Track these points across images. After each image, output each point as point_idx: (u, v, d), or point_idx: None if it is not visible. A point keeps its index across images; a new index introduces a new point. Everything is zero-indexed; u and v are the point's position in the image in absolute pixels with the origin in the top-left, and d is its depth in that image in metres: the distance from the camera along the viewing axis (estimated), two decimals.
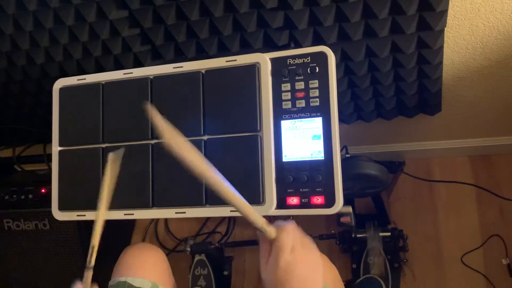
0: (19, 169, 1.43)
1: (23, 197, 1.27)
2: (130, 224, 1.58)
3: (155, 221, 1.57)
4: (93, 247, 0.71)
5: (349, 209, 1.03)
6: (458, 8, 0.85)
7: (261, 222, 0.60)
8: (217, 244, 1.37)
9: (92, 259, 0.71)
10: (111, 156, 0.74)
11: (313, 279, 0.59)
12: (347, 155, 1.13)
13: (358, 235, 1.21)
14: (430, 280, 1.28)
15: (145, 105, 0.76)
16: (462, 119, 1.20)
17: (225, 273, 1.39)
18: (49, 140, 0.91)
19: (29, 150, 1.42)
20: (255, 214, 0.60)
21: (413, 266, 1.30)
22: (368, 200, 1.33)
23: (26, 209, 1.26)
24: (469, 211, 1.33)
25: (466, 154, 1.38)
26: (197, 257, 1.35)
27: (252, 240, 1.38)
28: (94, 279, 0.74)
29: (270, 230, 0.60)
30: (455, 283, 1.26)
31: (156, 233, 1.56)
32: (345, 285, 1.23)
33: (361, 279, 1.22)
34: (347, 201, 1.24)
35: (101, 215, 0.71)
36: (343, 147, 1.17)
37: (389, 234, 1.21)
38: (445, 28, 0.85)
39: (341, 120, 1.15)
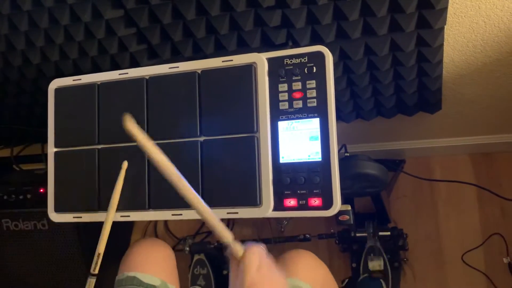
0: (17, 169, 1.43)
1: (21, 197, 1.27)
2: (129, 224, 1.57)
3: (155, 221, 1.57)
4: (99, 255, 0.70)
5: (348, 207, 1.02)
6: (458, 6, 0.84)
7: (228, 238, 0.59)
8: (216, 244, 1.37)
9: (97, 267, 0.70)
10: (125, 164, 0.74)
11: None
12: (346, 154, 1.12)
13: (357, 234, 1.21)
14: (431, 279, 1.27)
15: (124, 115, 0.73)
16: (462, 117, 1.19)
17: (225, 272, 1.38)
18: (47, 140, 0.91)
19: (27, 150, 1.42)
20: (224, 229, 0.59)
21: (413, 265, 1.29)
22: (368, 199, 1.33)
23: (25, 209, 1.26)
24: (470, 209, 1.32)
25: (467, 152, 1.37)
26: (196, 257, 1.35)
27: (251, 240, 1.38)
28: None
29: (238, 248, 0.59)
30: (456, 282, 1.26)
31: (155, 233, 1.56)
32: (346, 284, 1.23)
33: (361, 278, 1.21)
34: (347, 200, 1.24)
35: (109, 221, 0.70)
36: (342, 146, 1.16)
37: (389, 233, 1.20)
38: (445, 26, 0.84)
39: (340, 118, 1.14)
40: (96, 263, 0.70)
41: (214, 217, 0.59)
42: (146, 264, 0.83)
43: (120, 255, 1.50)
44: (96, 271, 0.71)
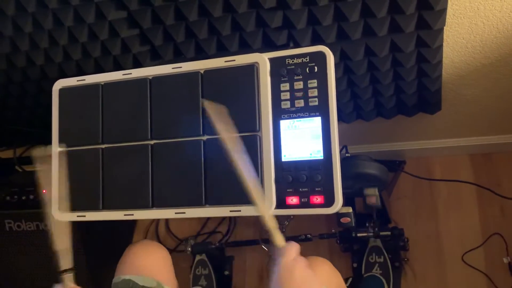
0: (20, 170, 1.43)
1: (24, 197, 1.28)
2: (131, 224, 1.58)
3: (156, 221, 1.57)
4: (58, 251, 0.70)
5: (349, 209, 1.03)
6: (457, 7, 0.85)
7: (274, 225, 0.64)
8: (217, 244, 1.37)
9: (65, 263, 0.70)
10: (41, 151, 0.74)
11: (312, 283, 0.61)
12: (347, 155, 1.13)
13: (358, 235, 1.21)
14: (431, 279, 1.28)
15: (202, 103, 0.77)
16: (462, 118, 1.20)
17: (226, 272, 1.39)
18: (50, 141, 0.91)
19: (30, 151, 1.42)
20: (271, 217, 0.65)
21: (414, 265, 1.29)
22: None
23: (27, 209, 1.26)
24: (470, 210, 1.32)
25: (466, 152, 1.37)
26: (198, 257, 1.36)
27: (253, 240, 1.38)
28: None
29: (280, 237, 0.64)
30: (456, 282, 1.26)
31: (157, 233, 1.56)
32: (350, 283, 1.23)
33: (364, 277, 1.22)
34: (347, 200, 1.24)
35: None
36: (343, 147, 1.17)
37: (389, 233, 1.21)
38: (444, 27, 0.85)
39: (341, 119, 1.15)
40: (62, 260, 0.71)
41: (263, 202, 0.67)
42: (140, 266, 0.83)
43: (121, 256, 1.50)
44: (68, 266, 0.71)
